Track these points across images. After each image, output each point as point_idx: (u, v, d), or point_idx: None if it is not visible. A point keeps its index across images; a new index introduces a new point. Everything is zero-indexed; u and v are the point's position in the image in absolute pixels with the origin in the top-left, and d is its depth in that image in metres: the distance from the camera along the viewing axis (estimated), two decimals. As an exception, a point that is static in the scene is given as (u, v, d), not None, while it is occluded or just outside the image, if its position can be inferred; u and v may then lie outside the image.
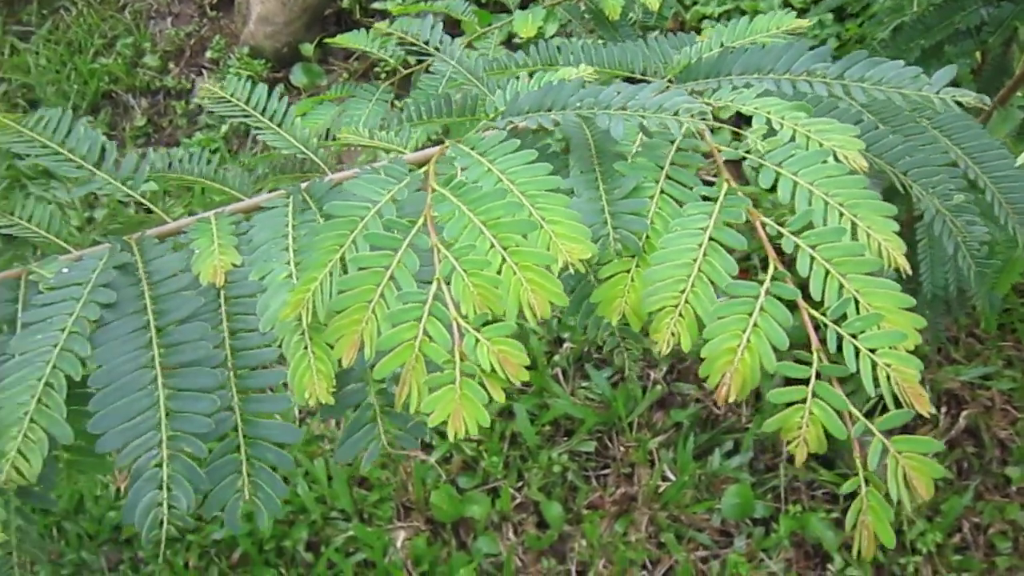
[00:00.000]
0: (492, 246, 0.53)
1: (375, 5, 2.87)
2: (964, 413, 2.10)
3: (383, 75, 2.85)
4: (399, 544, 2.01)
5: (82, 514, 2.06)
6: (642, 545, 1.99)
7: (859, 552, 0.45)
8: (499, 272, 0.52)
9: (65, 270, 0.60)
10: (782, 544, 1.97)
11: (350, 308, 0.52)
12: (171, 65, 2.99)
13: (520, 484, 2.09)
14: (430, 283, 0.53)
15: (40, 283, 0.59)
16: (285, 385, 0.56)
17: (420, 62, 1.63)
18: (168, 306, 0.59)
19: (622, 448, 2.13)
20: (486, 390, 0.48)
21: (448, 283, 0.51)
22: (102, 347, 0.56)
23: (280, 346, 0.57)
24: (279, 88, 0.73)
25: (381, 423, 0.58)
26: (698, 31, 2.89)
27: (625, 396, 2.13)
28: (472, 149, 0.62)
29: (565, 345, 2.23)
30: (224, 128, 2.78)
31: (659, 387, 2.16)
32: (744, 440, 2.09)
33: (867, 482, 0.46)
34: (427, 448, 2.12)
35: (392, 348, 0.50)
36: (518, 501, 2.06)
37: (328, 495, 2.03)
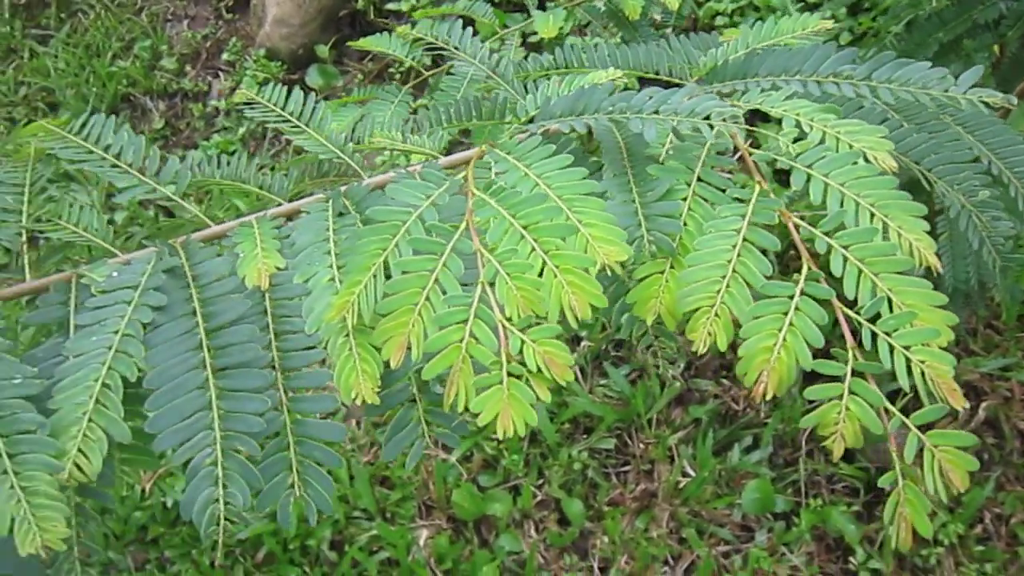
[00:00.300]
0: (533, 250, 0.54)
1: (389, 6, 2.89)
2: (984, 404, 2.10)
3: (398, 76, 2.88)
4: (422, 542, 2.03)
5: (108, 514, 2.09)
6: (663, 541, 2.00)
7: (896, 545, 0.46)
8: (540, 275, 0.54)
9: (115, 274, 0.62)
10: (803, 538, 1.98)
11: (397, 311, 0.53)
12: (188, 68, 3.02)
13: (541, 482, 2.10)
14: (472, 287, 0.54)
15: (92, 286, 0.61)
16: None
17: (436, 64, 1.65)
18: (216, 309, 0.61)
19: (642, 445, 2.14)
20: (533, 390, 0.49)
21: (492, 286, 0.53)
22: (154, 349, 0.58)
23: (325, 347, 0.58)
24: (301, 91, 0.75)
25: (424, 422, 0.60)
26: (710, 28, 2.88)
27: (644, 393, 2.15)
28: (508, 154, 0.63)
29: (583, 343, 2.25)
30: (241, 130, 2.81)
31: (677, 384, 2.17)
32: (763, 435, 2.10)
33: (903, 475, 0.48)
34: (447, 447, 2.14)
35: (439, 350, 0.51)
36: (539, 499, 2.08)
37: (351, 494, 2.05)
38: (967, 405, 0.49)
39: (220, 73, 2.98)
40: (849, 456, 2.07)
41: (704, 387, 2.18)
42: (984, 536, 1.99)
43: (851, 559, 1.96)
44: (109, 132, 0.72)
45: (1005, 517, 2.01)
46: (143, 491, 2.10)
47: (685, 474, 2.08)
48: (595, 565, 2.00)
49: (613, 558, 1.99)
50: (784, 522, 2.02)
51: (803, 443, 2.10)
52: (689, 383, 2.19)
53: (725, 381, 2.22)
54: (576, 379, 2.20)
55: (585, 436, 2.14)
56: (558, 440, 2.12)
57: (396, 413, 0.60)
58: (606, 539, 2.01)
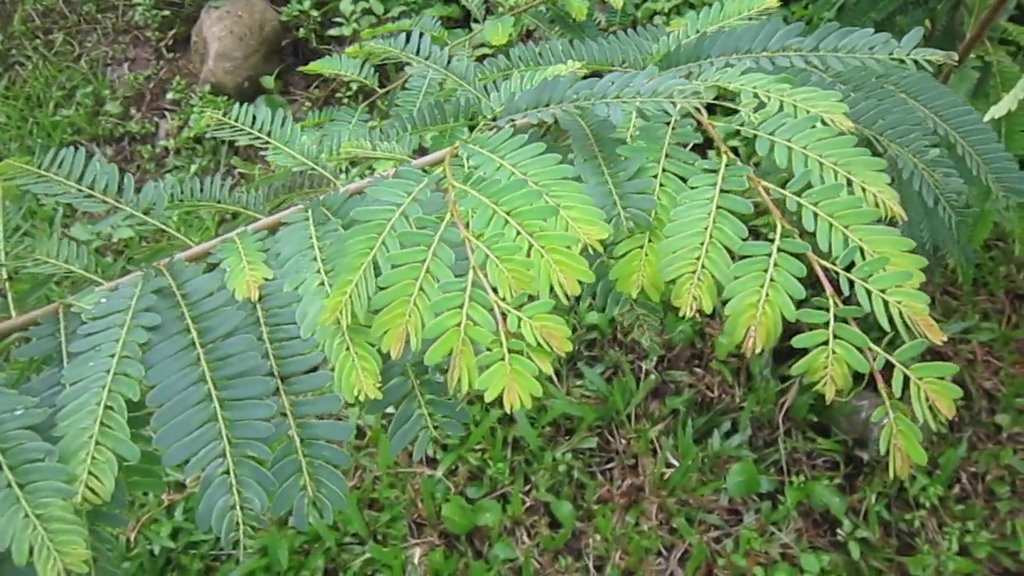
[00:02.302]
0: (519, 233, 0.56)
1: (331, 32, 2.90)
2: (949, 370, 2.16)
3: (345, 100, 2.89)
4: (416, 561, 2.03)
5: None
6: (655, 533, 2.02)
7: (895, 471, 0.49)
8: (528, 255, 0.55)
9: (103, 300, 0.63)
10: (790, 515, 2.01)
11: (392, 303, 0.55)
12: (133, 110, 2.99)
13: (528, 487, 2.11)
14: (463, 274, 0.56)
15: (82, 314, 0.61)
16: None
17: (383, 85, 1.66)
18: (210, 323, 0.61)
19: (624, 440, 2.16)
20: (534, 362, 0.51)
21: (483, 270, 0.54)
22: (153, 368, 0.59)
23: (323, 350, 0.59)
24: (263, 106, 0.76)
25: (427, 413, 0.61)
26: (654, 24, 2.94)
27: (620, 389, 2.17)
28: (482, 147, 0.65)
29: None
30: (193, 168, 2.79)
31: (652, 377, 2.20)
32: (741, 419, 2.13)
33: (894, 408, 0.50)
34: (432, 463, 2.14)
35: (438, 336, 0.53)
36: (528, 504, 2.09)
37: (340, 520, 2.04)
38: (945, 338, 0.51)
39: (166, 113, 2.97)
40: (826, 430, 2.11)
41: (679, 378, 2.21)
42: (963, 495, 2.05)
43: (838, 531, 2.00)
44: (80, 164, 0.72)
45: (981, 475, 2.07)
46: (128, 541, 2.07)
47: (669, 465, 2.10)
48: (590, 564, 2.01)
49: (607, 555, 2.00)
50: (770, 502, 2.05)
51: (780, 423, 2.14)
52: (663, 375, 2.22)
53: (698, 370, 2.25)
54: (552, 382, 2.21)
55: (567, 438, 2.16)
56: (541, 444, 2.13)
57: (398, 409, 0.61)
58: (598, 537, 2.03)
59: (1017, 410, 2.12)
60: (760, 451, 2.12)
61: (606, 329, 2.31)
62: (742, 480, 2.05)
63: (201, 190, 0.78)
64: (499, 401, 0.50)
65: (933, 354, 2.11)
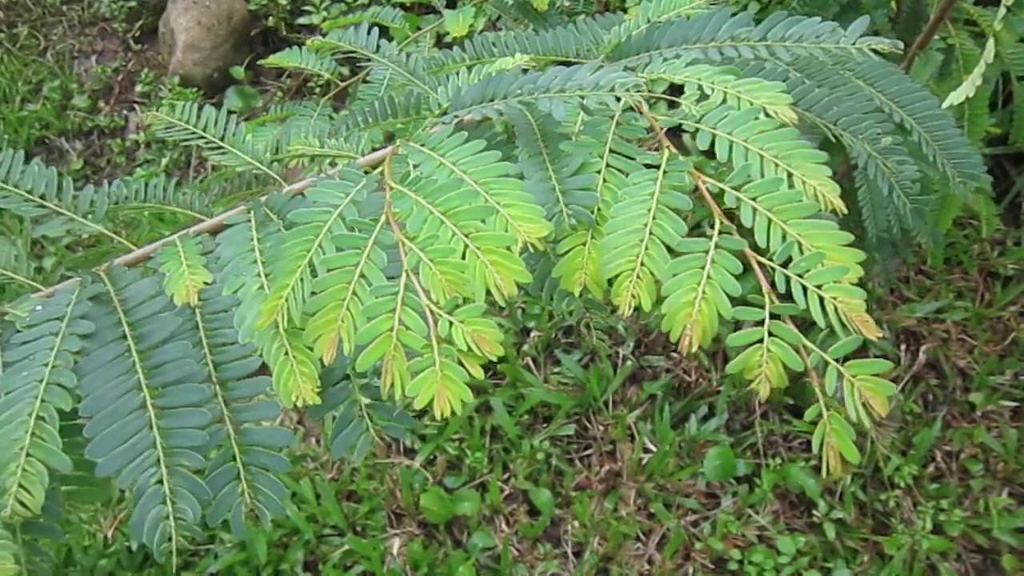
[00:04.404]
0: (454, 234, 0.55)
1: (301, 20, 2.87)
2: (923, 348, 2.17)
3: (317, 90, 2.87)
4: (395, 551, 2.03)
5: (72, 567, 2.04)
6: (633, 518, 2.03)
7: (828, 470, 0.48)
8: (463, 257, 0.55)
9: (39, 307, 0.62)
10: (767, 498, 2.03)
11: (325, 308, 0.54)
12: (101, 104, 2.96)
13: (506, 476, 2.11)
14: (398, 277, 0.55)
15: (16, 322, 0.60)
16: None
17: (355, 74, 1.65)
18: (147, 330, 0.60)
19: (601, 427, 2.17)
20: (465, 368, 0.50)
21: (417, 273, 0.54)
22: (87, 377, 0.58)
23: (261, 355, 0.58)
24: (214, 108, 0.74)
25: (368, 416, 0.61)
26: (624, 10, 2.91)
27: (598, 376, 2.17)
28: (422, 145, 0.64)
29: (532, 334, 2.26)
30: (164, 160, 2.76)
31: (629, 362, 2.20)
32: (718, 403, 2.14)
33: (827, 407, 0.50)
34: (410, 453, 2.14)
35: (371, 341, 0.52)
36: (507, 492, 2.09)
37: (319, 513, 2.04)
38: (880, 333, 0.51)
39: (135, 106, 2.93)
40: (801, 412, 2.12)
41: (656, 363, 2.22)
42: (937, 474, 2.06)
43: (814, 512, 2.01)
44: (19, 167, 0.71)
45: (955, 453, 2.08)
46: (106, 538, 2.06)
47: (647, 450, 2.11)
48: (569, 551, 2.02)
49: (586, 541, 2.01)
50: (747, 485, 2.06)
51: (757, 406, 2.15)
52: (640, 360, 2.22)
53: (675, 355, 2.25)
54: (529, 370, 2.21)
55: (545, 425, 2.16)
56: (518, 432, 2.13)
57: (339, 412, 0.60)
58: (577, 524, 2.04)
59: (991, 388, 2.14)
60: (737, 434, 2.13)
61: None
62: (719, 464, 2.06)
63: (146, 191, 0.77)
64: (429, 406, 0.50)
65: (906, 333, 2.10)
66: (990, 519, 1.96)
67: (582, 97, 0.64)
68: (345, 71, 1.61)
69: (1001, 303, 2.23)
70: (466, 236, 0.55)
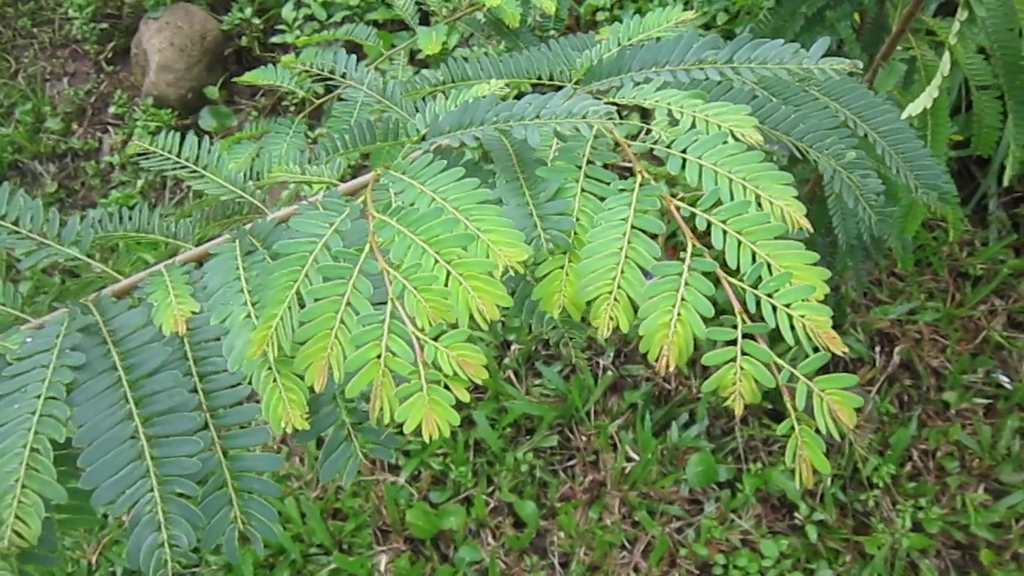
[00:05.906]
0: (436, 262, 0.57)
1: (274, 39, 2.88)
2: (897, 349, 2.22)
3: (292, 108, 2.87)
4: (383, 568, 2.03)
5: (55, 590, 2.03)
6: (618, 527, 2.05)
7: (800, 481, 0.51)
8: (446, 284, 0.56)
9: (28, 339, 0.63)
10: (749, 502, 2.05)
11: (314, 337, 0.56)
12: (75, 126, 2.94)
13: (491, 489, 2.13)
14: (384, 304, 0.57)
15: (7, 355, 0.61)
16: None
17: (330, 91, 1.66)
18: (137, 360, 0.62)
19: (584, 437, 2.19)
20: (451, 392, 0.52)
21: (402, 301, 0.55)
22: (80, 407, 0.59)
23: (250, 383, 0.60)
24: (195, 135, 0.75)
25: (355, 440, 0.62)
26: (593, 24, 2.93)
27: (579, 387, 2.19)
28: (403, 174, 0.66)
29: (513, 347, 2.28)
30: (140, 183, 2.76)
31: (609, 373, 2.23)
32: (698, 410, 2.17)
33: (798, 421, 0.52)
34: (395, 469, 2.15)
35: (359, 368, 0.54)
36: (492, 506, 2.10)
37: (304, 532, 2.04)
38: (846, 349, 0.53)
39: (109, 127, 2.92)
40: (781, 416, 2.15)
41: (636, 372, 2.24)
42: (915, 473, 2.10)
43: (796, 514, 2.04)
44: (3, 200, 0.72)
45: (931, 452, 2.12)
46: (89, 564, 2.05)
47: (629, 459, 2.13)
48: (555, 562, 2.03)
49: (572, 552, 2.03)
50: (729, 490, 2.09)
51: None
52: (620, 370, 2.25)
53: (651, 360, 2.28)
54: (511, 383, 2.23)
55: (528, 437, 2.18)
56: (502, 445, 2.15)
57: (327, 435, 0.62)
58: (562, 534, 2.05)
59: (964, 386, 2.18)
60: (718, 440, 2.16)
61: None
62: (701, 470, 2.09)
63: (130, 219, 0.78)
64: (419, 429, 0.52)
65: (880, 335, 2.13)
66: (967, 515, 2.00)
67: (556, 124, 0.66)
68: (320, 89, 1.62)
69: (971, 303, 2.28)
70: (448, 263, 0.57)
